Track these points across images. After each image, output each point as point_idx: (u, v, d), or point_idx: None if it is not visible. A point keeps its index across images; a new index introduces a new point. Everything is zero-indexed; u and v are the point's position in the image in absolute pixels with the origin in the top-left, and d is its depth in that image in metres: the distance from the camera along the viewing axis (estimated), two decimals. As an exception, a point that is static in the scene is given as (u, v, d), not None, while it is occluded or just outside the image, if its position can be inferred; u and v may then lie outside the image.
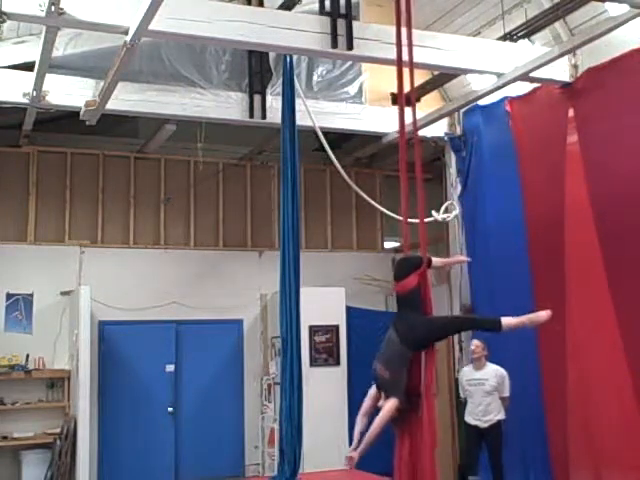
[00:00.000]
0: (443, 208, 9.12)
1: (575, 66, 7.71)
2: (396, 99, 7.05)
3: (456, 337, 9.16)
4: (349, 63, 8.94)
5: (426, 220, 5.70)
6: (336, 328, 9.66)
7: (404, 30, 5.66)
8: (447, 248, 9.82)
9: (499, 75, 7.66)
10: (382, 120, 9.08)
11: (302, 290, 7.60)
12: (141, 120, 9.66)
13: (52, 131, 9.60)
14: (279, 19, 6.49)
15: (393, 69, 5.71)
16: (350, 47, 6.56)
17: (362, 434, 5.12)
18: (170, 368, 9.76)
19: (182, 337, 9.90)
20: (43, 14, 5.63)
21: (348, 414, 8.81)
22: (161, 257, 10.04)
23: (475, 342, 7.67)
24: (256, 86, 8.44)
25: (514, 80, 7.63)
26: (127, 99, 7.84)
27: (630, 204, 6.96)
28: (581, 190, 7.49)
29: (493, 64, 7.49)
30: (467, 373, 7.86)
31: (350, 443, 5.32)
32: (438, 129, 9.59)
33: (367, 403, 5.25)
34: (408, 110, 5.66)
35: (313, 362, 9.40)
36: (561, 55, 7.22)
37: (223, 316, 10.03)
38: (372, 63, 7.72)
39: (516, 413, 7.79)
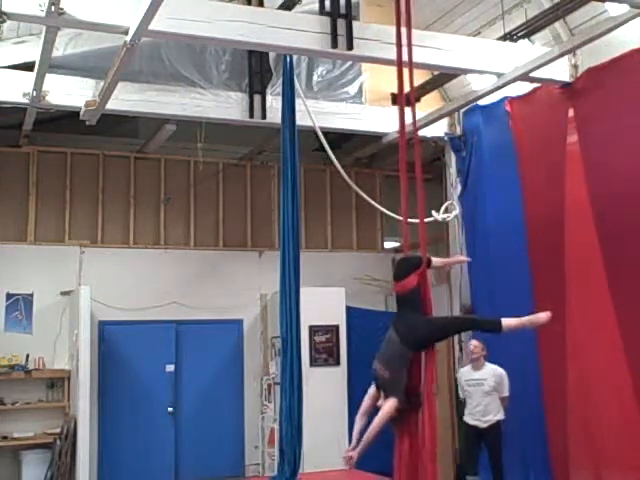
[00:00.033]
0: (443, 208, 9.12)
1: (575, 66, 7.71)
2: (396, 99, 7.06)
3: (456, 337, 9.16)
4: (349, 63, 8.94)
5: (426, 220, 5.69)
6: (336, 328, 9.67)
7: (404, 30, 5.65)
8: (447, 248, 9.82)
9: (499, 75, 7.66)
10: (382, 120, 9.08)
11: (302, 290, 7.60)
12: (141, 120, 9.66)
13: (52, 131, 9.61)
14: (279, 19, 6.49)
15: (393, 69, 5.70)
16: (350, 47, 6.56)
17: (361, 433, 5.12)
18: (170, 368, 9.76)
19: (182, 337, 9.90)
20: (43, 14, 5.63)
21: (348, 414, 8.81)
22: (161, 257, 10.04)
23: (474, 342, 7.67)
24: (256, 86, 8.44)
25: (514, 80, 7.63)
26: (127, 99, 7.84)
27: (630, 204, 6.96)
28: (581, 190, 7.49)
29: (493, 64, 7.49)
30: (466, 373, 7.86)
31: (350, 443, 5.32)
32: (438, 129, 9.58)
33: (366, 402, 5.25)
34: (408, 110, 5.65)
35: (313, 362, 9.40)
36: (561, 55, 7.22)
37: (223, 316, 10.04)
38: (372, 63, 7.71)
39: (516, 413, 7.79)
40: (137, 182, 10.14)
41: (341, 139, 10.31)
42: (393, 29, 5.78)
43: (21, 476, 8.84)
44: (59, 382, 9.23)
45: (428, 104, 9.11)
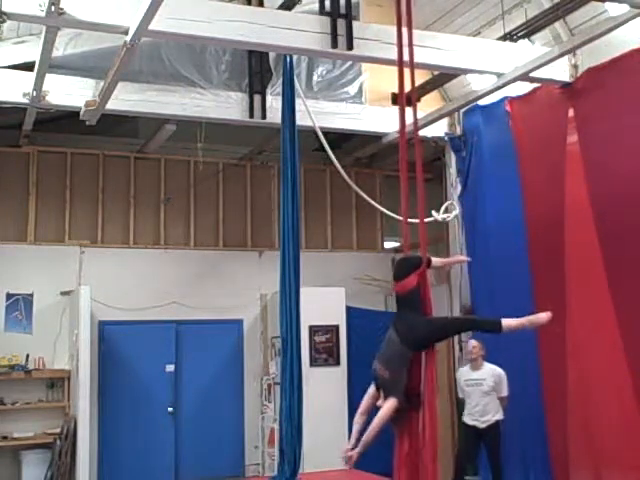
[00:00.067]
0: (443, 208, 9.12)
1: (575, 66, 7.71)
2: (396, 99, 7.06)
3: (456, 337, 9.15)
4: (349, 63, 8.94)
5: (426, 220, 5.69)
6: (336, 328, 9.67)
7: (404, 30, 5.65)
8: (447, 248, 9.82)
9: (499, 75, 7.66)
10: (382, 120, 9.09)
11: (302, 290, 7.60)
12: (141, 120, 9.66)
13: (52, 131, 9.61)
14: (279, 19, 6.49)
15: (393, 69, 5.71)
16: (350, 47, 6.56)
17: (360, 432, 5.12)
18: (170, 368, 9.76)
19: (182, 337, 9.90)
20: (43, 14, 5.63)
21: (348, 414, 8.80)
22: (161, 257, 10.04)
23: (472, 342, 7.67)
24: (256, 86, 8.44)
25: (514, 80, 7.63)
26: (127, 99, 7.84)
27: (630, 204, 6.96)
28: (581, 190, 7.49)
29: (493, 64, 7.49)
30: (464, 373, 7.86)
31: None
32: (438, 129, 9.58)
33: (366, 402, 5.25)
34: (408, 110, 5.65)
35: (313, 362, 9.40)
36: (561, 55, 7.22)
37: (223, 316, 10.04)
38: (372, 63, 7.72)
39: (516, 413, 7.79)
40: (137, 182, 10.14)
41: (341, 139, 10.31)
42: (393, 29, 5.78)
43: (21, 476, 8.84)
44: (59, 382, 9.22)
45: (428, 104, 9.11)
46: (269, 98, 8.46)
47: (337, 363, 9.59)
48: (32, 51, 7.02)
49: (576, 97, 7.68)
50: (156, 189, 10.22)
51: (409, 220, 5.53)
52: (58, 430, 8.79)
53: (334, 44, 6.51)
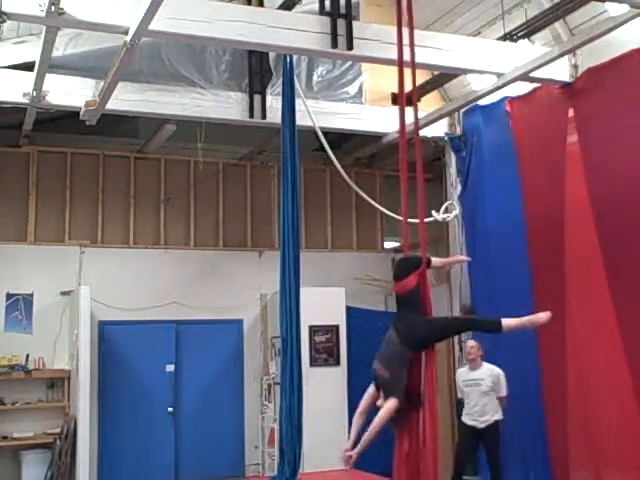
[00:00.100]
0: (443, 208, 9.12)
1: (575, 66, 7.71)
2: (396, 99, 7.05)
3: (456, 337, 9.15)
4: (349, 63, 8.94)
5: (426, 220, 5.69)
6: (336, 328, 9.67)
7: (405, 30, 5.64)
8: (447, 248, 9.82)
9: (499, 75, 7.66)
10: (382, 120, 9.09)
11: (302, 290, 7.59)
12: (141, 120, 9.66)
13: (52, 131, 9.61)
14: (279, 19, 6.49)
15: (393, 69, 5.71)
16: (350, 47, 6.55)
17: (359, 432, 5.12)
18: (170, 368, 9.76)
19: (182, 337, 9.90)
20: (43, 14, 5.63)
21: (348, 414, 8.79)
22: (161, 257, 10.04)
23: (470, 343, 7.67)
24: (256, 86, 8.44)
25: (514, 80, 7.63)
26: (127, 99, 7.84)
27: (630, 204, 6.96)
28: (581, 190, 7.49)
29: (493, 64, 7.49)
30: (463, 374, 7.86)
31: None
32: (438, 129, 9.59)
33: (365, 401, 5.24)
34: (408, 110, 5.65)
35: (313, 362, 9.41)
36: (561, 55, 7.22)
37: (223, 316, 10.04)
38: (372, 63, 7.72)
39: (516, 413, 7.79)
40: (137, 182, 10.14)
41: (341, 139, 10.31)
42: (393, 29, 5.78)
43: (21, 476, 8.84)
44: (59, 382, 9.23)
45: (428, 104, 9.11)
46: (269, 98, 8.46)
47: (337, 363, 9.60)
48: (32, 51, 7.02)
49: (576, 97, 7.68)
50: (156, 189, 10.22)
51: (409, 220, 5.53)
52: (58, 430, 8.79)
53: (334, 44, 6.51)
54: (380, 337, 5.30)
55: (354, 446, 5.07)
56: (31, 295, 9.32)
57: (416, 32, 5.80)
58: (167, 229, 10.21)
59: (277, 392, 8.95)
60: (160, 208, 10.18)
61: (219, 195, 10.54)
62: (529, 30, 7.51)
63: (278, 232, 8.63)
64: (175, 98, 8.12)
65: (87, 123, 7.85)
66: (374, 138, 9.83)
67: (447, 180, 9.97)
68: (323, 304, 9.40)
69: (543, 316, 5.26)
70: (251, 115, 8.39)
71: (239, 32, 6.28)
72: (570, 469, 7.55)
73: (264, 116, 8.40)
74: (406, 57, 5.53)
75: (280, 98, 7.92)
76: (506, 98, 8.63)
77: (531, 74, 7.46)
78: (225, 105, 8.36)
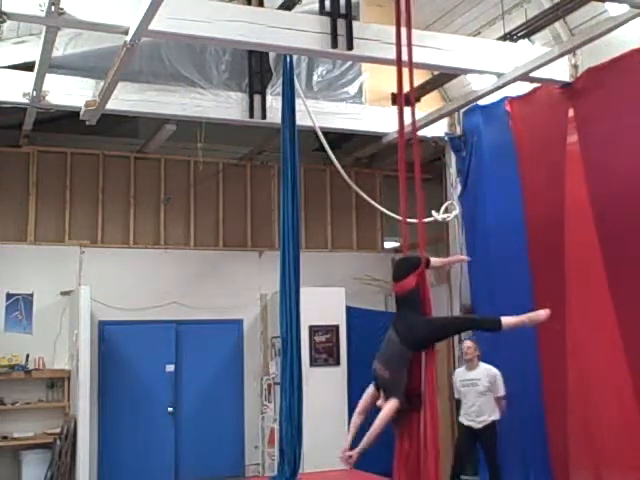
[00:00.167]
0: (443, 208, 9.12)
1: (575, 66, 7.71)
2: (396, 99, 7.05)
3: (456, 337, 9.15)
4: (349, 63, 8.94)
5: (426, 220, 5.69)
6: (336, 328, 9.67)
7: (404, 30, 5.64)
8: (447, 248, 9.82)
9: (499, 75, 7.66)
10: (382, 120, 9.08)
11: (302, 290, 7.59)
12: (141, 120, 9.66)
13: (52, 131, 9.61)
14: (279, 19, 6.49)
15: (393, 69, 5.70)
16: (350, 47, 6.56)
17: (358, 432, 5.11)
18: (170, 368, 9.76)
19: (182, 337, 9.90)
20: (43, 14, 5.63)
21: (348, 414, 8.77)
22: (161, 257, 10.04)
23: (467, 343, 7.67)
24: (256, 86, 8.44)
25: (514, 80, 7.63)
26: (127, 99, 7.84)
27: (630, 204, 6.96)
28: (581, 190, 7.49)
29: (493, 64, 7.49)
30: (460, 374, 7.87)
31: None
32: (438, 129, 9.59)
33: (364, 401, 5.24)
34: (408, 110, 5.64)
35: (313, 362, 9.41)
36: (561, 55, 7.22)
37: (223, 316, 10.04)
38: (372, 63, 7.71)
39: (516, 413, 7.79)
40: (137, 182, 10.15)
41: (341, 139, 10.31)
42: (393, 29, 5.77)
43: (21, 476, 8.84)
44: (59, 382, 9.23)
45: (428, 104, 9.12)
46: (269, 98, 8.46)
47: (337, 363, 9.60)
48: (32, 51, 7.02)
49: (576, 97, 7.68)
50: (156, 189, 10.22)
51: (409, 220, 5.53)
52: (58, 430, 8.79)
53: (334, 44, 6.52)
54: (380, 337, 5.30)
55: (352, 446, 5.07)
56: (31, 295, 9.33)
57: (416, 32, 5.81)
58: (167, 229, 10.21)
59: (277, 392, 8.95)
60: (160, 208, 10.18)
61: (219, 195, 10.54)
62: (529, 30, 7.52)
63: (278, 232, 8.63)
64: (175, 98, 8.12)
65: (87, 123, 7.85)
66: (374, 138, 9.82)
67: (447, 180, 9.97)
68: (323, 304, 9.40)
69: (542, 314, 5.27)
70: (251, 115, 8.39)
71: (239, 32, 6.28)
72: (570, 469, 7.55)
73: (264, 116, 8.40)
74: (405, 57, 5.53)
75: (280, 98, 7.92)
76: (506, 98, 8.63)
77: (531, 74, 7.46)
78: (225, 105, 8.36)
